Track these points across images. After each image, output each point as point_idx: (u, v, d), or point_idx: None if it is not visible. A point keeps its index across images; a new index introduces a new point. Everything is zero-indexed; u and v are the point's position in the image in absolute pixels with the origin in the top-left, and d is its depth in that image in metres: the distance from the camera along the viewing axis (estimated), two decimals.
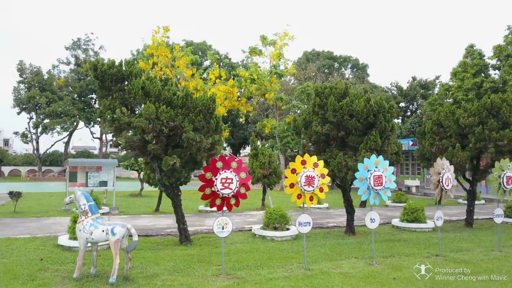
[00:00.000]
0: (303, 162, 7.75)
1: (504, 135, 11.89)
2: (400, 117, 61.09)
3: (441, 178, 8.76)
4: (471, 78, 37.98)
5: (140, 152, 9.43)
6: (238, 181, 7.14)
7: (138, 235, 10.98)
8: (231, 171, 7.11)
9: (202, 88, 24.25)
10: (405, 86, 59.19)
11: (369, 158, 8.45)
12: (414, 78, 59.22)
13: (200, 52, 53.89)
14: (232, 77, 31.17)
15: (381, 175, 8.20)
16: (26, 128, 47.44)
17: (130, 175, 43.18)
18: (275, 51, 28.59)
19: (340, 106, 10.13)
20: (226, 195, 7.08)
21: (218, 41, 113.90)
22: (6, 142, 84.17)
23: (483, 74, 39.04)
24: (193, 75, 27.16)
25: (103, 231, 6.71)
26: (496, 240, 11.07)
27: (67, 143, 50.29)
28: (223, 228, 7.24)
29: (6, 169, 50.82)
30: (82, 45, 49.93)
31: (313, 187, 7.67)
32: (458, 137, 13.02)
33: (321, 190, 7.85)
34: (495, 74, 39.37)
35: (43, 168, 49.06)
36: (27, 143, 48.47)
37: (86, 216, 6.90)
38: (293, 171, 7.65)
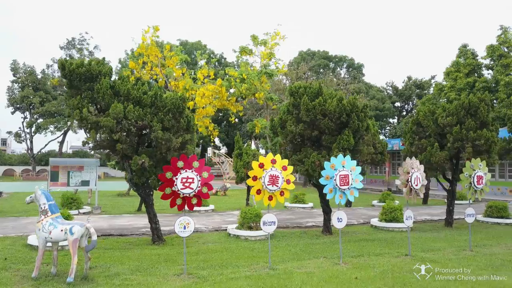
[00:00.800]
0: (273, 161, 7.73)
1: (481, 135, 11.89)
2: (396, 117, 61.21)
3: (409, 177, 8.75)
4: (463, 78, 37.98)
5: (111, 151, 9.43)
6: (199, 180, 7.13)
7: (113, 235, 11.05)
8: (192, 171, 7.10)
9: (190, 87, 24.23)
10: (400, 86, 59.31)
11: (343, 158, 8.44)
12: (409, 78, 59.22)
13: (195, 52, 53.90)
14: (222, 76, 31.16)
15: (348, 175, 8.18)
16: (19, 128, 47.46)
17: (124, 174, 43.17)
18: (266, 51, 28.57)
19: (313, 106, 10.12)
20: (187, 195, 7.07)
21: (214, 41, 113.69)
22: (4, 141, 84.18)
23: (476, 74, 39.03)
24: (183, 74, 27.13)
25: (61, 230, 6.70)
26: (473, 239, 11.07)
27: (61, 143, 50.24)
28: (184, 228, 7.22)
29: (0, 169, 50.83)
30: (76, 44, 49.87)
31: (277, 186, 7.64)
32: (437, 137, 13.03)
33: (288, 182, 7.81)
34: (488, 74, 39.37)
35: (38, 168, 49.01)
36: (21, 142, 48.45)
37: (46, 216, 6.88)
38: (261, 165, 7.63)
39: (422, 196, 9.27)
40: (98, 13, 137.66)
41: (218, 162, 42.28)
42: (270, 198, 7.80)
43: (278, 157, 7.74)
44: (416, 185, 8.82)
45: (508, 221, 13.85)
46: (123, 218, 14.08)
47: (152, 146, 9.25)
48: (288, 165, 7.95)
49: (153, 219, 9.93)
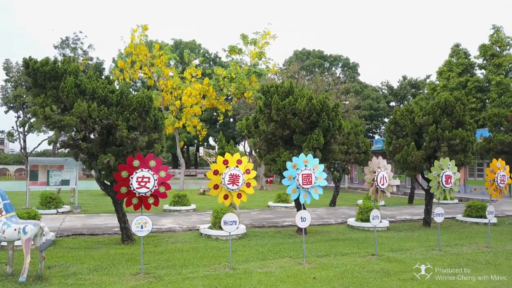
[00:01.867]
0: (225, 162, 7.69)
1: (456, 134, 11.84)
2: (391, 116, 61.10)
3: (375, 177, 8.70)
4: (456, 78, 37.96)
5: (79, 150, 9.39)
6: (156, 180, 7.09)
7: (84, 234, 11.01)
8: (148, 170, 7.06)
9: (178, 86, 24.17)
10: (395, 85, 59.29)
11: (305, 156, 8.39)
12: (404, 78, 59.20)
13: (189, 51, 53.81)
14: (211, 76, 31.13)
15: (310, 174, 8.14)
16: (12, 127, 47.42)
17: None
18: (255, 50, 28.50)
19: (283, 105, 10.08)
20: (143, 194, 7.03)
21: (209, 40, 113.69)
22: (1, 141, 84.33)
23: (469, 74, 38.98)
24: (172, 73, 27.06)
25: (15, 229, 6.66)
26: (446, 239, 11.05)
27: (55, 143, 50.12)
28: (142, 227, 7.18)
29: None
30: (70, 44, 49.83)
31: (237, 185, 7.60)
32: (414, 136, 12.98)
33: (248, 185, 7.78)
34: (481, 73, 39.31)
35: None
36: (13, 142, 48.40)
37: (1, 215, 6.83)
38: (225, 162, 7.59)
39: (389, 195, 9.23)
40: (95, 12, 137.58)
41: (210, 162, 42.23)
42: (226, 197, 7.76)
43: (228, 156, 7.70)
44: (382, 184, 8.77)
45: (486, 220, 13.77)
46: (100, 217, 14.03)
47: (119, 145, 9.20)
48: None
49: (122, 219, 9.90)
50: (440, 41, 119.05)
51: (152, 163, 7.12)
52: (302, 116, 10.03)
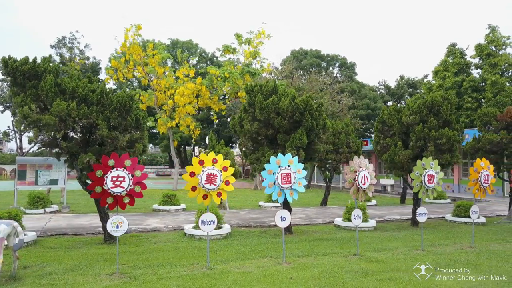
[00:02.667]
0: (201, 162, 7.62)
1: (442, 134, 11.80)
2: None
3: (357, 176, 8.66)
4: (452, 77, 37.87)
5: (60, 150, 9.35)
6: (131, 179, 7.04)
7: (67, 234, 10.96)
8: (123, 169, 7.01)
9: (171, 86, 24.12)
10: (393, 85, 59.21)
11: (291, 157, 8.34)
12: (402, 77, 59.14)
13: (186, 50, 53.80)
14: (204, 75, 31.08)
15: (290, 174, 8.09)
16: (8, 127, 47.41)
17: None
18: (249, 49, 28.46)
19: (266, 104, 10.03)
20: (118, 194, 6.98)
21: (208, 40, 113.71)
22: (1, 141, 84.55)
23: (465, 73, 38.90)
24: (165, 73, 27.02)
25: None
26: (432, 239, 11.00)
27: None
28: (117, 227, 7.13)
29: None
30: (67, 43, 49.77)
31: (215, 184, 7.55)
32: (402, 136, 12.94)
33: (227, 183, 7.73)
34: (477, 73, 39.24)
35: None
36: (9, 141, 48.36)
37: None
38: (201, 162, 7.52)
39: (371, 195, 9.18)
40: (94, 12, 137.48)
41: None
42: (205, 197, 7.71)
43: (203, 155, 7.65)
44: (364, 184, 8.72)
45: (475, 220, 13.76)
46: (86, 217, 13.99)
47: (100, 145, 9.15)
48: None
49: (104, 218, 9.84)
50: (439, 40, 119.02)
51: (128, 162, 7.08)
52: (285, 115, 9.98)
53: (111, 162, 6.95)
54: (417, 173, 9.33)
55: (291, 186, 8.09)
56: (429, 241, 10.65)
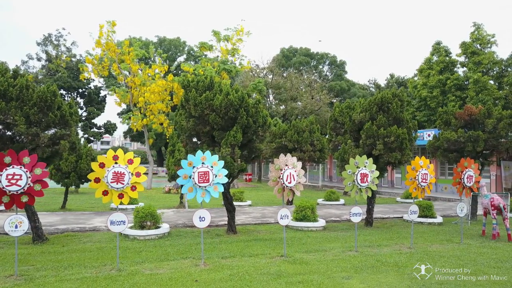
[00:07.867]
0: (115, 158, 7.33)
1: (391, 132, 11.51)
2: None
3: (281, 174, 8.37)
4: (436, 75, 37.54)
5: None
6: (29, 177, 6.75)
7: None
8: (20, 167, 6.72)
9: (142, 83, 23.82)
10: (383, 83, 58.87)
11: (202, 154, 8.04)
12: (392, 76, 58.80)
13: (173, 48, 53.43)
14: (175, 72, 30.73)
15: (208, 171, 7.80)
16: None
17: None
18: (226, 47, 28.18)
19: (200, 101, 9.73)
20: (14, 192, 6.69)
21: (199, 38, 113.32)
22: None
23: (449, 72, 38.55)
24: (141, 70, 26.72)
25: None
26: (375, 239, 10.73)
27: None
28: (16, 227, 6.85)
29: None
30: (53, 40, 49.41)
31: (122, 184, 7.25)
32: (353, 134, 12.65)
33: (133, 188, 7.42)
34: (463, 71, 38.88)
35: None
36: None
37: None
38: (102, 165, 7.21)
39: (299, 193, 8.90)
40: (85, 10, 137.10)
41: None
42: (121, 196, 7.42)
43: (120, 151, 7.34)
44: (289, 183, 8.44)
45: (430, 220, 13.52)
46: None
47: (20, 142, 8.86)
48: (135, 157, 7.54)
49: (31, 218, 9.54)
50: (429, 38, 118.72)
51: (26, 159, 6.78)
52: (219, 112, 9.69)
53: (7, 159, 6.65)
54: (349, 172, 9.04)
55: (210, 184, 7.78)
56: (371, 241, 10.38)
